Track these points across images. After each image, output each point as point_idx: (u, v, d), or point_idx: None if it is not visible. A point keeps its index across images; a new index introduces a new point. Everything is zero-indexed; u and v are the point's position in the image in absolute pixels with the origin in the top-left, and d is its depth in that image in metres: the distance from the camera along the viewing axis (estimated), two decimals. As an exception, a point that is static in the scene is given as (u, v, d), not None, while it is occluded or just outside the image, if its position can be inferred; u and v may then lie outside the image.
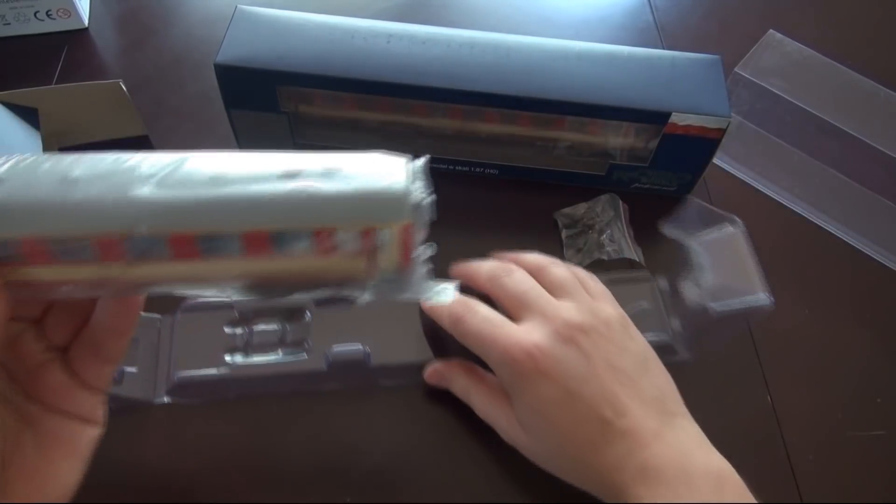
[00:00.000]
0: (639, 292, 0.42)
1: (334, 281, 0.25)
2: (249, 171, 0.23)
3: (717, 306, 0.38)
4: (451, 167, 0.48)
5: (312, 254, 0.23)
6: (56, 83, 0.53)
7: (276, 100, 0.44)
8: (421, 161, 0.25)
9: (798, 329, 0.44)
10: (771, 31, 0.54)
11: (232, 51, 0.42)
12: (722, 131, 0.43)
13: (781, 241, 0.47)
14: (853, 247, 0.47)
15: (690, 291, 0.40)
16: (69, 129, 0.47)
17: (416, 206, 0.24)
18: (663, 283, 0.43)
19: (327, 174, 0.23)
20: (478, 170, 0.48)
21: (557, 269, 0.37)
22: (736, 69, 0.51)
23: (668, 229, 0.43)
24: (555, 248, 0.45)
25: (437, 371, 0.38)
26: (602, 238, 0.44)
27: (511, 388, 0.34)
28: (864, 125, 0.49)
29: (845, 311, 0.45)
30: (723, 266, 0.39)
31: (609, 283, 0.38)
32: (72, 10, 0.56)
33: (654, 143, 0.45)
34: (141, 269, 0.23)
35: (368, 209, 0.23)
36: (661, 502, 0.29)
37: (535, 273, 0.37)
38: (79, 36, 0.56)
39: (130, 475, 0.36)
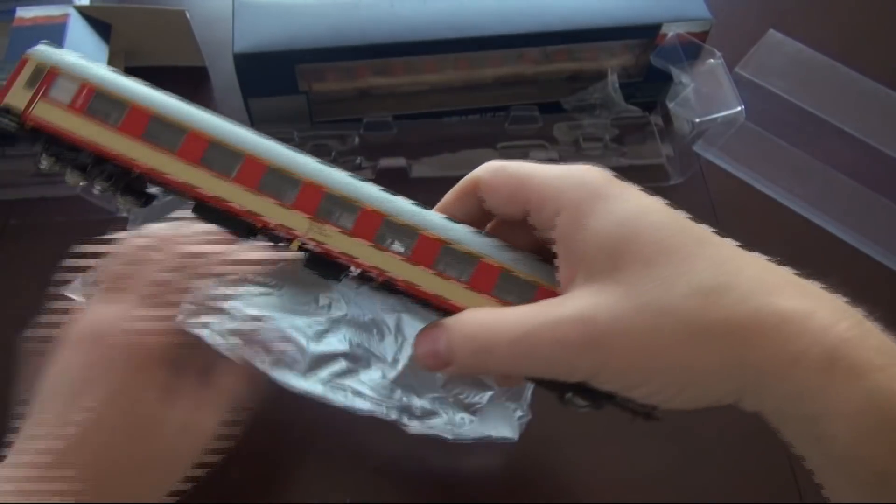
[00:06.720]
0: (637, 127, 0.49)
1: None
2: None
3: (701, 120, 0.44)
4: (463, 116, 0.50)
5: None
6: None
7: (294, 81, 0.45)
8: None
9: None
10: (771, 31, 0.54)
11: (247, 38, 0.43)
12: (706, 33, 0.47)
13: (781, 241, 0.47)
14: (853, 247, 0.47)
15: (678, 114, 0.46)
16: (135, 48, 0.50)
17: None
18: (657, 119, 0.49)
19: None
20: (488, 115, 0.50)
21: None
22: (736, 69, 0.51)
23: (657, 60, 0.46)
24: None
25: (434, 345, 0.24)
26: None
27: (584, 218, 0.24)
28: (864, 125, 0.49)
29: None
30: (705, 89, 0.46)
31: (614, 123, 0.48)
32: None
33: (645, 58, 0.48)
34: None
35: None
36: None
37: None
38: None
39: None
